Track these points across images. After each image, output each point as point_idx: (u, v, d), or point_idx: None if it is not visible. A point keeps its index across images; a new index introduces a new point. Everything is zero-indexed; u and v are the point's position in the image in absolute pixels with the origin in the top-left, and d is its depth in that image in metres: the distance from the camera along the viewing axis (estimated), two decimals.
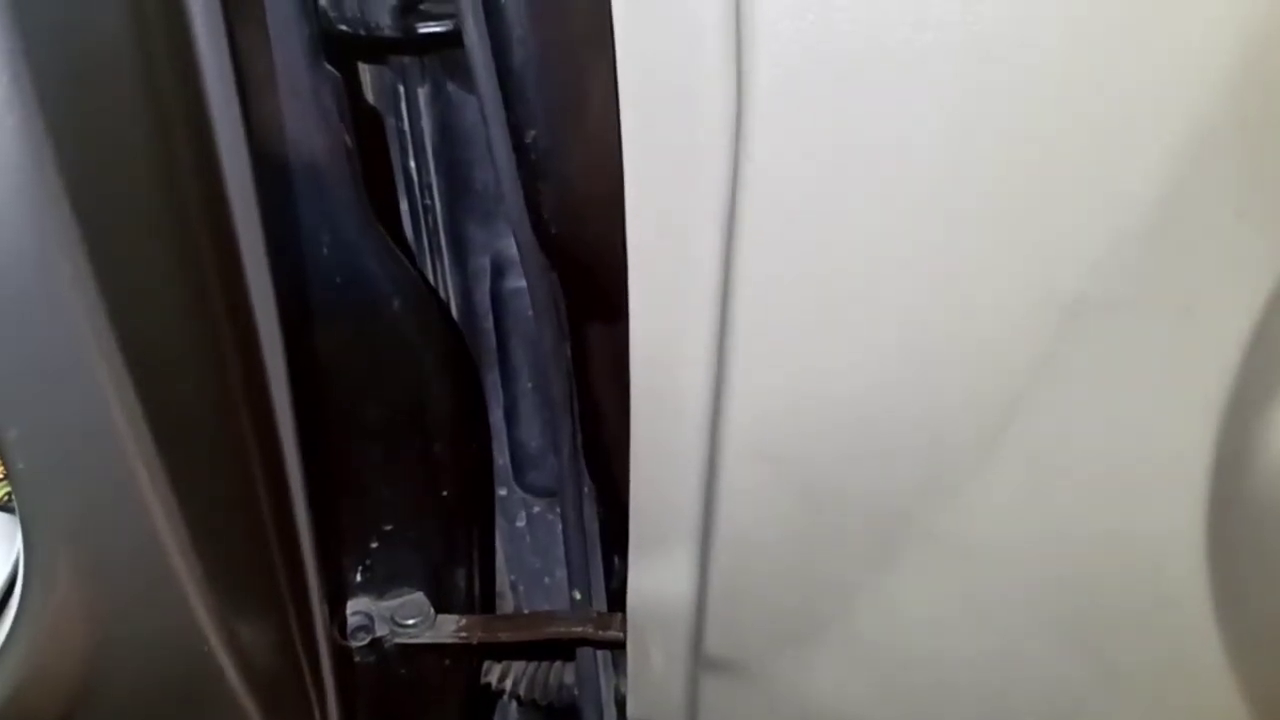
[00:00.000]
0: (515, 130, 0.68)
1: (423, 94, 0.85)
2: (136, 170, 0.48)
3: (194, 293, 0.53)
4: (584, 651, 0.94)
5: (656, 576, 0.73)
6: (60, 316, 0.45)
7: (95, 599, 0.53)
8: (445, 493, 0.87)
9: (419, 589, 0.87)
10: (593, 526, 0.89)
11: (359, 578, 0.85)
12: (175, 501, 0.51)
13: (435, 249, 0.91)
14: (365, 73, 0.85)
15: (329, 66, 0.70)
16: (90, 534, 0.51)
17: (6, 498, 0.64)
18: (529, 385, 0.95)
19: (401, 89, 0.85)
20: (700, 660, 0.76)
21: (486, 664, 1.01)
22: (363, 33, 0.74)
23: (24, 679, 0.55)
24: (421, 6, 0.76)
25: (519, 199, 0.71)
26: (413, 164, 0.87)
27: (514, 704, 1.08)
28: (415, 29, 0.75)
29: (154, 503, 0.50)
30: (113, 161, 0.47)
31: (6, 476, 0.63)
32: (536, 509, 1.01)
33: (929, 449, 0.61)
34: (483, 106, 0.68)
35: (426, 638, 0.85)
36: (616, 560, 0.90)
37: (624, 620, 0.78)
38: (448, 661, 0.94)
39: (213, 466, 0.57)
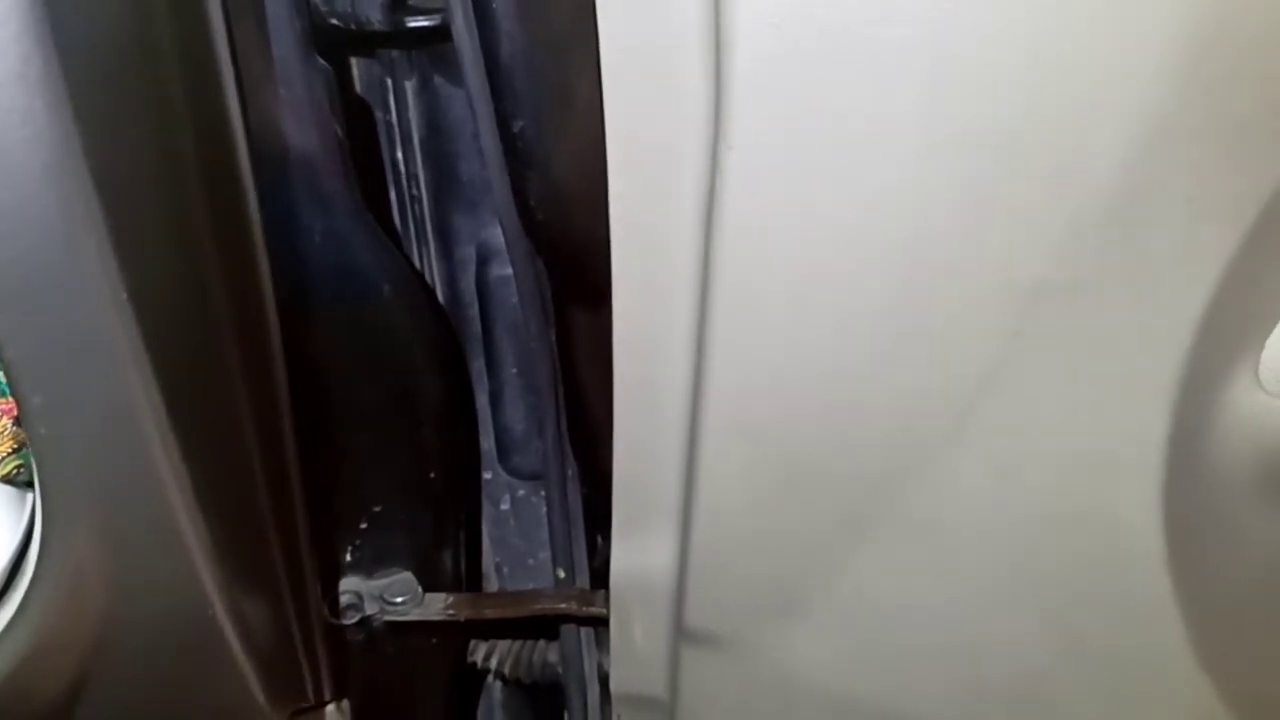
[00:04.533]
0: (503, 121, 0.69)
1: (410, 87, 0.86)
2: (159, 153, 0.50)
3: (209, 274, 0.55)
4: (568, 630, 0.95)
5: (639, 553, 0.75)
6: (84, 290, 0.46)
7: (110, 562, 0.55)
8: (433, 475, 0.89)
9: (407, 568, 0.88)
10: (576, 506, 0.90)
11: (349, 557, 0.86)
12: (187, 473, 0.53)
13: (422, 238, 0.92)
14: (354, 66, 0.86)
15: (321, 60, 0.72)
16: (107, 499, 0.53)
17: (14, 472, 0.65)
18: (513, 371, 0.96)
19: (389, 82, 0.86)
20: (681, 633, 0.78)
21: (472, 644, 1.02)
22: (353, 27, 0.76)
23: (41, 638, 0.57)
24: (410, 1, 0.77)
25: (506, 187, 0.73)
26: (400, 155, 0.88)
27: (499, 683, 1.09)
28: (404, 23, 0.77)
29: (168, 472, 0.52)
30: (136, 144, 0.48)
31: (19, 448, 0.65)
32: (521, 492, 1.02)
33: (899, 427, 0.63)
34: (470, 98, 0.69)
35: (415, 615, 0.87)
36: (599, 539, 0.92)
37: (607, 597, 0.80)
38: (435, 640, 0.95)
39: (220, 442, 0.58)
